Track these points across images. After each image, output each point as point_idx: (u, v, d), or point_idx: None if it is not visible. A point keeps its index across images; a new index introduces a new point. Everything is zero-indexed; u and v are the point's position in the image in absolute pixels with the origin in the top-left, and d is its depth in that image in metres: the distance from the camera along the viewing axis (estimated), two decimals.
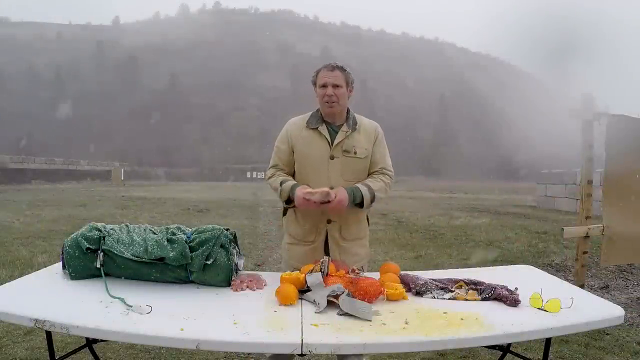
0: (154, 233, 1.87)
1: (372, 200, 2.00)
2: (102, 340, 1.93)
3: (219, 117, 76.86)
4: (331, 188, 1.96)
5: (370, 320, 1.45)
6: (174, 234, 1.84)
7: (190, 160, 59.76)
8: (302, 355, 1.31)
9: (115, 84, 78.15)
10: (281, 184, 2.03)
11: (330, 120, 2.07)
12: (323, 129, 2.05)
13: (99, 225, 1.85)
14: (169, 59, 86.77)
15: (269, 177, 2.13)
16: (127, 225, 1.91)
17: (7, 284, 1.71)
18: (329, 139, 2.04)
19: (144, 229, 1.89)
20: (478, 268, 2.31)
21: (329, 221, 2.06)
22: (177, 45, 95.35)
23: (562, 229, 3.71)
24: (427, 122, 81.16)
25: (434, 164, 68.73)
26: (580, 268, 3.75)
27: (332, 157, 2.04)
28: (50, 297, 1.58)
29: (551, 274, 2.21)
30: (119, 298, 1.55)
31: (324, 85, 2.01)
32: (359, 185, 2.00)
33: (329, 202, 1.89)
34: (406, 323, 1.43)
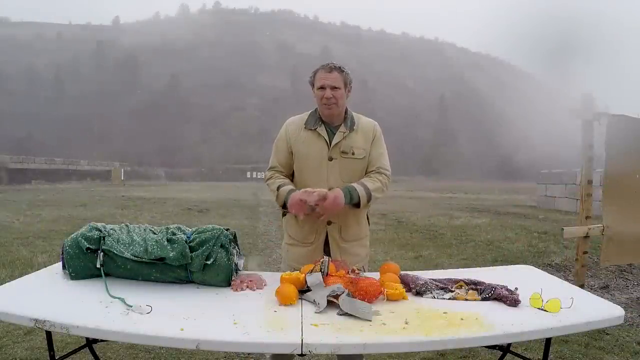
0: (154, 233, 1.86)
1: (369, 199, 1.98)
2: (102, 340, 1.93)
3: (219, 117, 76.86)
4: (330, 189, 1.95)
5: (370, 320, 1.45)
6: (174, 234, 1.84)
7: (190, 160, 59.77)
8: (302, 355, 1.31)
9: (115, 84, 78.12)
10: (278, 188, 2.02)
11: (328, 121, 2.06)
12: (322, 130, 2.04)
13: (99, 225, 1.85)
14: (169, 59, 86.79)
15: (268, 179, 2.11)
16: (127, 225, 1.91)
17: (7, 284, 1.71)
18: (327, 140, 2.03)
19: (144, 229, 1.89)
20: (478, 268, 2.31)
21: (329, 222, 2.05)
22: (177, 45, 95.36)
23: (562, 229, 3.70)
24: (427, 122, 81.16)
25: (434, 164, 68.76)
26: (580, 268, 3.75)
27: (330, 159, 2.03)
28: (50, 297, 1.58)
29: (551, 274, 2.21)
30: (119, 298, 1.55)
31: (322, 87, 1.99)
32: (355, 184, 1.98)
33: (324, 200, 1.87)
34: (406, 323, 1.43)
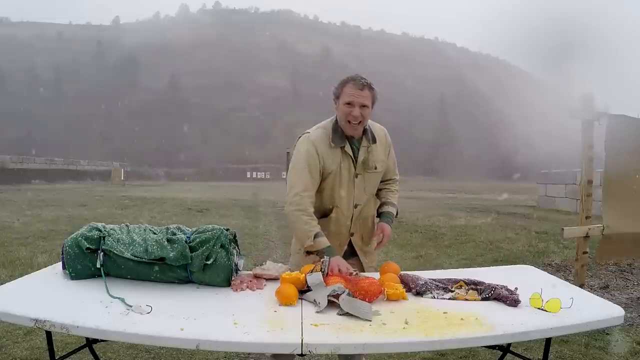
0: (154, 233, 1.86)
1: (397, 214, 2.20)
2: (102, 340, 1.93)
3: (219, 117, 76.83)
4: (355, 205, 2.06)
5: (370, 320, 1.45)
6: (174, 234, 1.84)
7: (190, 160, 59.74)
8: (302, 355, 1.31)
9: (115, 84, 78.06)
10: (315, 236, 1.90)
11: (349, 135, 2.03)
12: (348, 148, 2.01)
13: (99, 225, 1.85)
14: (169, 59, 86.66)
15: (297, 209, 1.94)
16: (127, 225, 1.91)
17: (7, 284, 1.71)
18: (353, 157, 2.02)
19: (144, 229, 1.89)
20: (478, 268, 2.32)
21: (351, 234, 2.11)
22: (177, 45, 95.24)
23: (562, 229, 3.70)
24: (427, 122, 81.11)
25: (434, 164, 68.72)
26: (580, 268, 3.75)
27: (356, 175, 2.04)
28: (50, 297, 1.58)
29: (551, 274, 2.21)
30: (119, 298, 1.55)
31: (350, 104, 1.92)
32: (390, 209, 2.15)
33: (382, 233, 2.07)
34: (406, 323, 1.43)
